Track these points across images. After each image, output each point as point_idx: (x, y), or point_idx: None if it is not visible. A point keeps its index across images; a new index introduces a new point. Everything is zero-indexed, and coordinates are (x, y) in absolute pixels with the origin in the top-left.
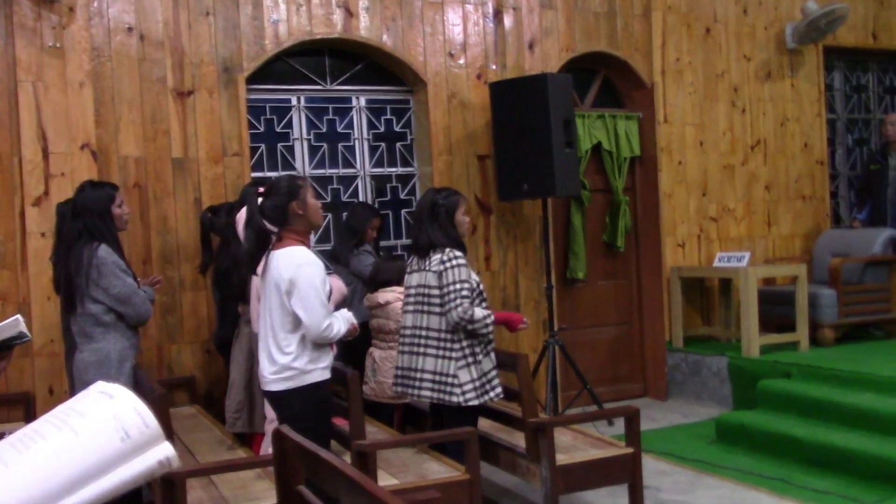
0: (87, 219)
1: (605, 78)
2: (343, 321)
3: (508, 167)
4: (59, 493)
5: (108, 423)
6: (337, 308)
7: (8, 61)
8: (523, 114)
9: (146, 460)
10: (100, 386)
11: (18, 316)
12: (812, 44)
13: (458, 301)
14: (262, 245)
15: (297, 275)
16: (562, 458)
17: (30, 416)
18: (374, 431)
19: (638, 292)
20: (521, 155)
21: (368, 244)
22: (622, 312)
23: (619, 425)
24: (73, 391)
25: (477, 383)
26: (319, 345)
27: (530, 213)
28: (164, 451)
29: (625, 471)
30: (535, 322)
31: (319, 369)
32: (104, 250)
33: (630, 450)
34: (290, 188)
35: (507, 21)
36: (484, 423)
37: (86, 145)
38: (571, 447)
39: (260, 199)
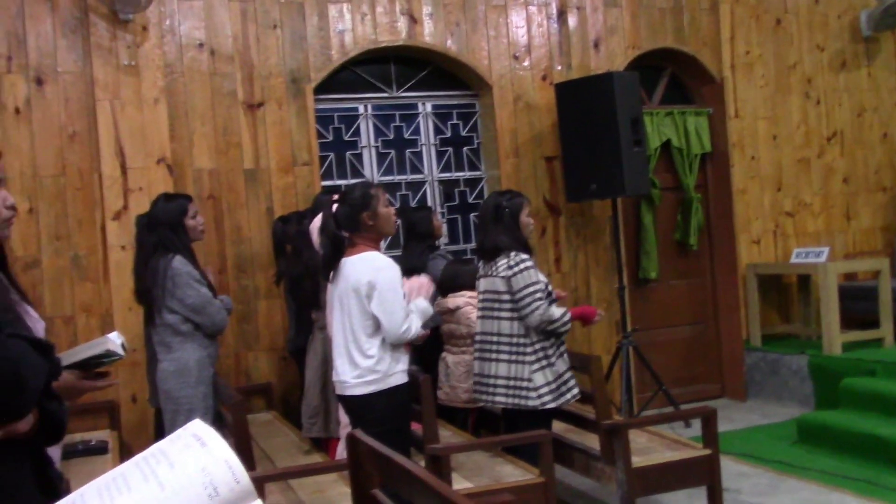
0: (162, 231)
1: (673, 74)
2: (418, 314)
3: (576, 168)
4: None
5: (196, 477)
6: None
7: (86, 81)
8: (590, 113)
9: None
10: (195, 427)
11: (109, 335)
12: (889, 31)
13: (535, 304)
14: (336, 252)
15: (376, 278)
16: (637, 461)
17: (114, 423)
18: (448, 435)
19: (713, 291)
20: (588, 155)
21: (440, 244)
22: (697, 312)
23: (697, 427)
24: (154, 399)
25: (553, 385)
26: (397, 347)
27: (600, 213)
28: None
29: (703, 473)
30: (607, 323)
31: (400, 372)
32: (178, 261)
33: (708, 451)
34: (361, 198)
35: (572, 21)
36: (558, 426)
37: (161, 159)
38: (647, 449)
39: (335, 207)
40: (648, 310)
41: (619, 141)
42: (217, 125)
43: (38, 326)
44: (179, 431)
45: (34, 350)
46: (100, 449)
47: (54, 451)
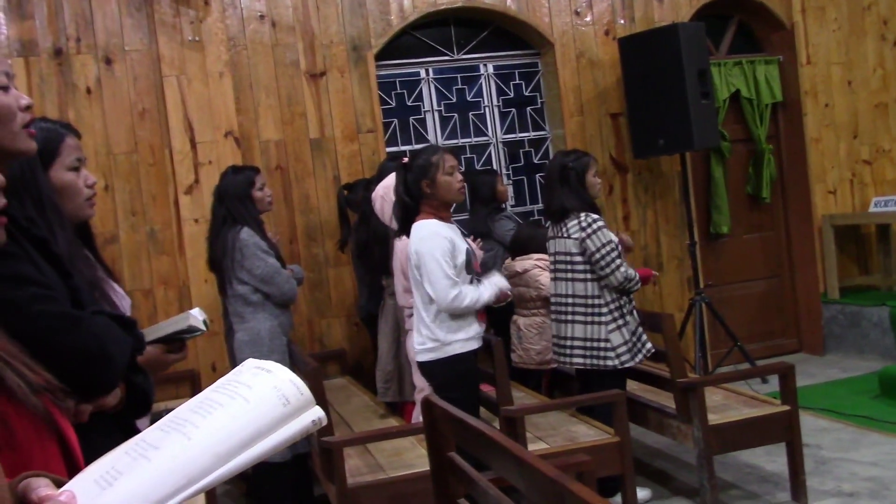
0: (230, 203)
1: (741, 22)
2: (489, 286)
3: (643, 123)
4: (238, 449)
5: (270, 391)
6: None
7: (153, 58)
8: (655, 67)
9: (302, 421)
10: (254, 362)
11: (191, 311)
12: None
13: (616, 263)
14: (406, 218)
15: (420, 248)
16: (714, 418)
17: (195, 391)
18: (522, 397)
19: (787, 244)
20: (655, 110)
21: (505, 206)
22: (771, 266)
23: (774, 382)
24: (233, 368)
25: (629, 344)
26: (459, 316)
27: (668, 168)
28: (316, 413)
29: (782, 429)
30: (679, 280)
31: (461, 340)
32: (246, 233)
33: (786, 407)
34: (422, 167)
35: None
36: (631, 385)
37: (229, 133)
38: (724, 406)
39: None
40: (721, 265)
41: (686, 94)
42: (281, 96)
43: (124, 303)
44: (239, 367)
45: (118, 326)
46: None
47: (143, 422)
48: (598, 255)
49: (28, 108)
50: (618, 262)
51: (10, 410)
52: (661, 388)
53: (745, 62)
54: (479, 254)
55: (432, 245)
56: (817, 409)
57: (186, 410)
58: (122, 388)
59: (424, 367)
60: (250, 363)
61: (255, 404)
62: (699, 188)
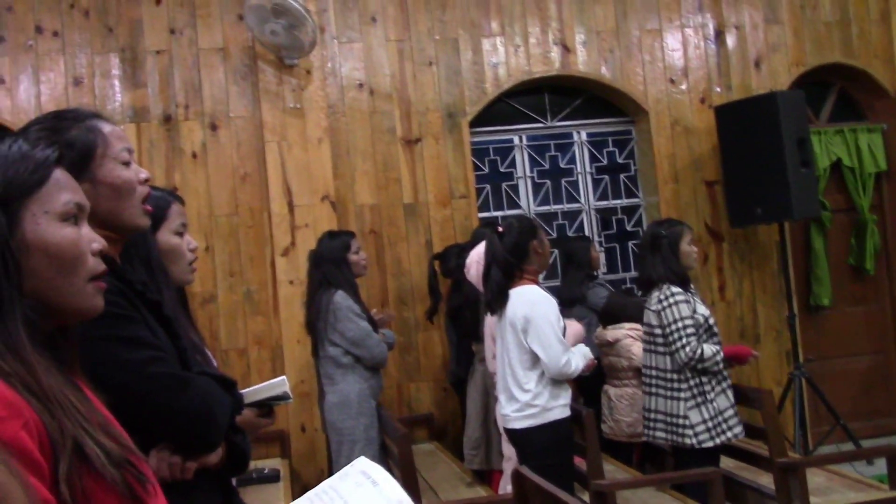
0: (326, 268)
1: (842, 90)
2: (580, 357)
3: (739, 192)
4: None
5: None
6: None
7: (256, 124)
8: (753, 135)
9: None
10: (363, 465)
11: (284, 377)
12: None
13: (685, 340)
14: (508, 281)
15: (532, 313)
16: (816, 502)
17: (285, 452)
18: (613, 470)
19: (893, 318)
20: (752, 178)
21: (598, 273)
22: (875, 340)
23: (880, 465)
24: (324, 430)
25: (710, 423)
26: (558, 382)
27: (766, 238)
28: None
29: None
30: (777, 353)
31: (560, 406)
32: (340, 296)
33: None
34: (530, 227)
35: (730, 41)
36: (728, 462)
37: (326, 197)
38: (826, 489)
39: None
40: (822, 339)
41: (786, 162)
42: (377, 161)
43: (212, 366)
44: (347, 469)
45: (220, 386)
46: (272, 477)
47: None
48: (669, 329)
49: (146, 181)
50: (688, 340)
51: (94, 485)
52: (758, 467)
53: (847, 130)
54: (581, 333)
55: (546, 310)
56: None
57: None
58: (223, 447)
59: (522, 434)
60: (358, 465)
61: None
62: (798, 258)
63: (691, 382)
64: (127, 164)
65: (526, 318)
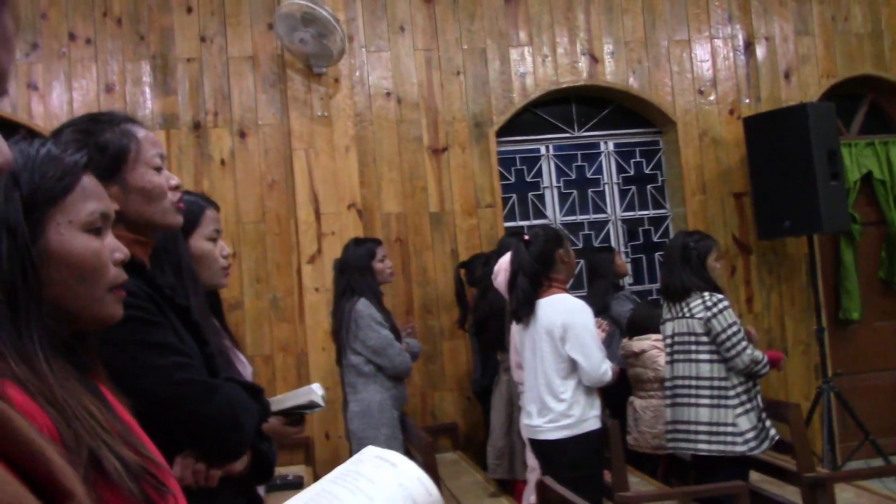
0: (350, 275)
1: (873, 102)
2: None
3: (768, 204)
4: None
5: (396, 489)
6: None
7: (284, 132)
8: (782, 147)
9: None
10: (376, 451)
11: (313, 386)
12: None
13: (742, 345)
14: (535, 290)
15: (571, 321)
16: None
17: (309, 459)
18: (637, 483)
19: None
20: (781, 190)
21: (624, 283)
22: None
23: None
24: (347, 438)
25: (757, 429)
26: (590, 392)
27: (794, 250)
28: None
29: None
30: (805, 367)
31: (594, 417)
32: (362, 304)
33: None
34: (556, 236)
35: (760, 52)
36: (754, 476)
37: (352, 205)
38: None
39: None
40: (851, 353)
41: (815, 175)
42: (404, 170)
43: (246, 371)
44: (359, 455)
45: (247, 393)
46: (296, 483)
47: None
48: (723, 336)
49: (177, 187)
50: (744, 343)
51: (110, 496)
52: (786, 482)
53: (878, 143)
54: (602, 335)
55: (586, 318)
56: None
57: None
58: (248, 454)
59: (554, 445)
60: (370, 452)
61: (379, 503)
62: (827, 272)
63: (739, 389)
64: (159, 169)
65: (564, 326)
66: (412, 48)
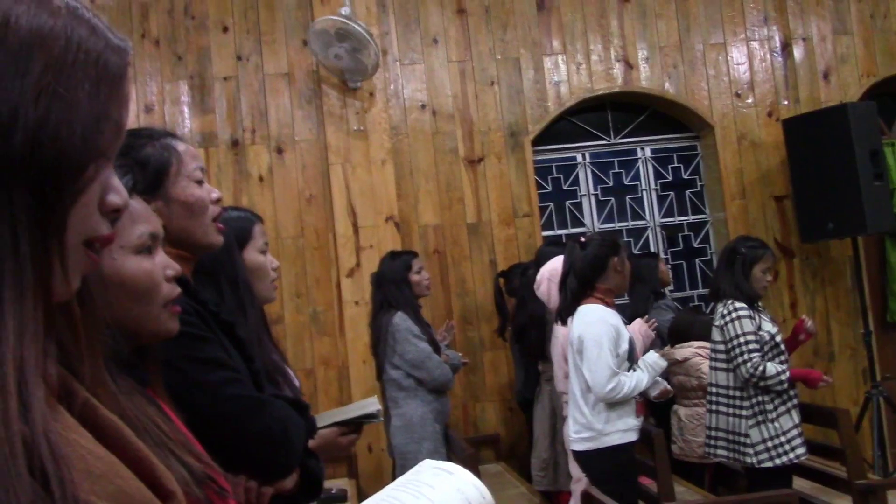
0: (387, 288)
1: None
2: (646, 369)
3: (810, 206)
4: None
5: (454, 493)
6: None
7: (320, 147)
8: (823, 148)
9: None
10: (432, 463)
11: (372, 399)
12: None
13: (746, 356)
14: (577, 296)
15: (584, 333)
16: None
17: (352, 472)
18: (684, 492)
19: None
20: (823, 192)
21: (665, 291)
22: None
23: None
24: (390, 452)
25: (770, 443)
26: (617, 405)
27: (838, 253)
28: None
29: None
30: (853, 372)
31: (619, 431)
32: (399, 317)
33: None
34: (612, 243)
35: (798, 53)
36: (802, 483)
37: (390, 218)
38: None
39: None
40: None
41: (858, 175)
42: (440, 182)
43: (293, 386)
44: (418, 467)
45: (294, 410)
46: (339, 497)
47: None
48: (731, 345)
49: (218, 200)
50: (750, 356)
51: None
52: (836, 489)
53: None
54: (648, 337)
55: (598, 331)
56: None
57: None
58: (297, 471)
59: (580, 456)
60: (428, 464)
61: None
62: (873, 273)
63: (753, 400)
64: (200, 182)
65: (580, 338)
66: (446, 60)
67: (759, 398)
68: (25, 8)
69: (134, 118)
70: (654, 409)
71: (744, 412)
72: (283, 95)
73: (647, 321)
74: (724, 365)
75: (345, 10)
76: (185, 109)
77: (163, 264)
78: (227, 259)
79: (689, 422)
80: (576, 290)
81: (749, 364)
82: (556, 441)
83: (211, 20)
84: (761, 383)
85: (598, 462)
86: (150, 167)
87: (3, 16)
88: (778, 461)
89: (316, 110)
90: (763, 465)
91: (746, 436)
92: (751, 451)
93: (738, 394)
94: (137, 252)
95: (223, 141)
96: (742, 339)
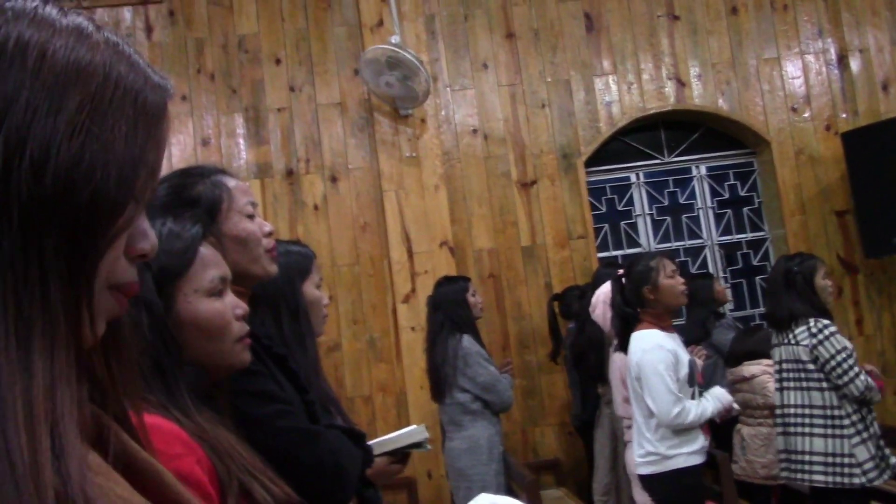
0: (449, 309)
1: None
2: (712, 400)
3: (873, 221)
4: None
5: None
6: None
7: (374, 174)
8: (884, 161)
9: None
10: (489, 497)
11: (420, 427)
12: None
13: (853, 371)
14: (626, 327)
15: (642, 360)
16: None
17: (412, 499)
18: None
19: None
20: (886, 206)
21: (724, 311)
22: None
23: None
24: (448, 477)
25: (876, 459)
26: (682, 430)
27: None
28: None
29: None
30: None
31: (684, 454)
32: (468, 340)
33: None
34: (641, 273)
35: (855, 65)
36: None
37: (444, 243)
38: None
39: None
40: None
41: None
42: (493, 206)
43: (346, 416)
44: (474, 502)
45: (349, 439)
46: None
47: None
48: (832, 363)
49: (270, 234)
50: (856, 369)
51: None
52: None
53: None
54: (700, 363)
55: (655, 358)
56: None
57: None
58: (355, 501)
59: (645, 480)
60: (485, 498)
61: None
62: None
63: (854, 418)
64: (251, 217)
65: (638, 364)
66: (496, 84)
67: (859, 415)
68: (64, 41)
69: (191, 151)
70: (716, 428)
71: (845, 431)
72: (336, 125)
73: (695, 351)
74: (818, 385)
75: (395, 39)
76: (241, 141)
77: (233, 304)
78: (289, 291)
79: (753, 441)
80: (619, 325)
81: (859, 380)
82: (617, 465)
83: (264, 53)
84: (869, 395)
85: (663, 485)
86: (201, 205)
87: (40, 49)
88: (884, 475)
89: (368, 138)
90: (874, 483)
91: (852, 455)
92: (858, 470)
93: (838, 413)
94: (210, 295)
95: (278, 171)
96: (844, 355)
